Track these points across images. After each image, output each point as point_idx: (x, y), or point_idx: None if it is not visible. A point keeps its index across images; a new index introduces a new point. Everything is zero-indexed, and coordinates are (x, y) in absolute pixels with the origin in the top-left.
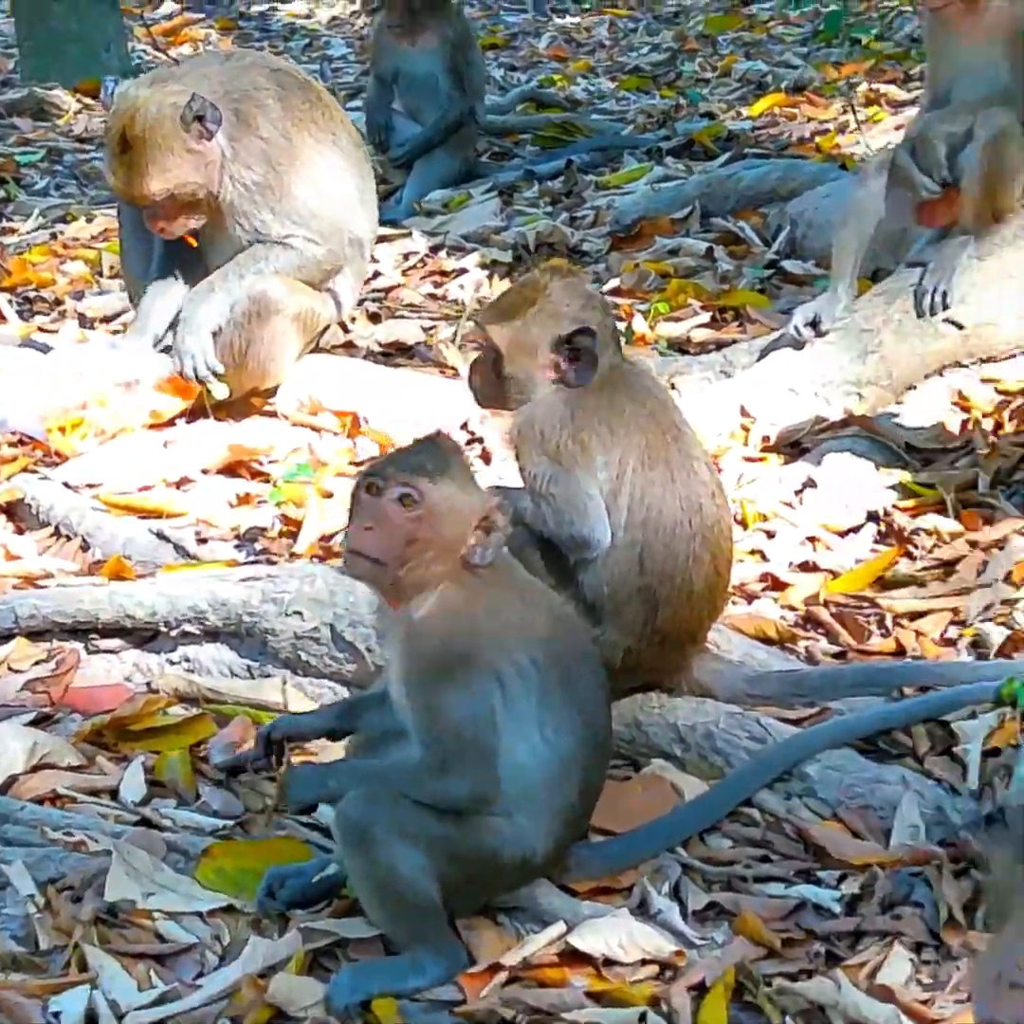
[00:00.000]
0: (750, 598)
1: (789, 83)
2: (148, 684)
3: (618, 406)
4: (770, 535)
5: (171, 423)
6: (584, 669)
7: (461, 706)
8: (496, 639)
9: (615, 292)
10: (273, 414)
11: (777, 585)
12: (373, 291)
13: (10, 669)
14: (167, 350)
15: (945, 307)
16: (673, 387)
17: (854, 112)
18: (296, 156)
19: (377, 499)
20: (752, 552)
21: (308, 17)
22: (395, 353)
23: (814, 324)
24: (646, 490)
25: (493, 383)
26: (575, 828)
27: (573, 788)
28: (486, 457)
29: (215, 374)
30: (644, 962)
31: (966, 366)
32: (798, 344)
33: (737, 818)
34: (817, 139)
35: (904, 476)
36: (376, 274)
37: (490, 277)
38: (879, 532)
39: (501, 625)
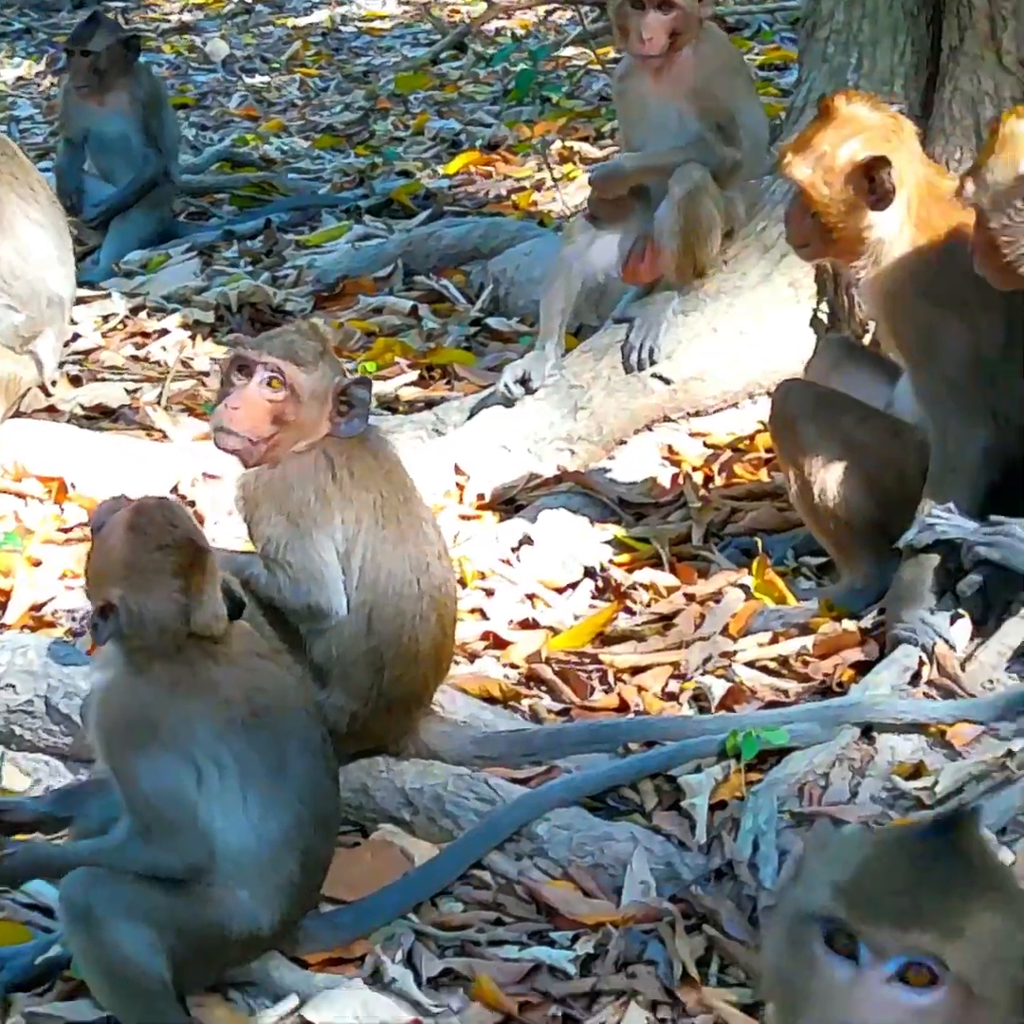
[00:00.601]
0: (472, 657)
1: (483, 141)
2: None
3: (361, 461)
4: (489, 593)
5: None
6: (300, 744)
7: (148, 776)
8: (182, 727)
9: None
10: None
11: (499, 643)
12: (74, 353)
13: None
14: None
15: (652, 363)
16: None
17: (549, 170)
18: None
19: None
20: (472, 611)
21: None
22: (99, 416)
23: (524, 381)
24: (378, 549)
25: (272, 427)
26: (302, 901)
27: (294, 864)
28: (199, 519)
29: None
30: None
31: (675, 420)
32: (509, 402)
33: (469, 881)
34: (514, 197)
35: (619, 531)
36: (76, 336)
37: (193, 338)
38: (597, 587)
39: (187, 714)
